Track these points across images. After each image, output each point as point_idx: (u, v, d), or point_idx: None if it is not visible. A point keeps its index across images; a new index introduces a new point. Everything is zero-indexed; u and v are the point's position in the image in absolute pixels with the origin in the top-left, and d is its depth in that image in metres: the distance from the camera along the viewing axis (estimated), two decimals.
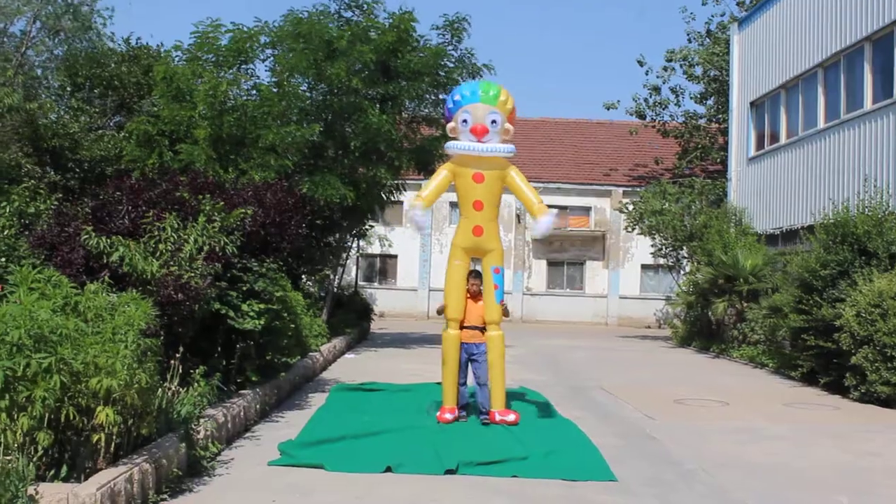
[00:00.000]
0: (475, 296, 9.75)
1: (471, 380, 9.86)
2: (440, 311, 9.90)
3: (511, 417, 9.52)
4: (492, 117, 9.51)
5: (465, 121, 9.55)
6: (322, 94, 19.21)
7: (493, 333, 9.67)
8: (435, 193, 9.78)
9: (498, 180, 9.70)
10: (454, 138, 9.76)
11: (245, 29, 18.41)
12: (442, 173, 9.90)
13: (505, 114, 9.64)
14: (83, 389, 5.59)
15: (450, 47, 19.99)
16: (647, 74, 33.14)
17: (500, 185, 9.78)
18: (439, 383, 11.85)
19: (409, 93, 19.16)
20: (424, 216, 10.02)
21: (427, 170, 20.13)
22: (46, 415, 5.39)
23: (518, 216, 35.97)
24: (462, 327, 9.69)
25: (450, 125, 9.84)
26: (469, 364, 9.75)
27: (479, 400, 9.77)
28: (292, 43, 18.22)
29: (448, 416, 9.54)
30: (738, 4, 31.74)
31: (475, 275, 9.81)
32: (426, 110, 20.60)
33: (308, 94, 19.19)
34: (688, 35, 32.42)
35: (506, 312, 9.81)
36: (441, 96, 20.08)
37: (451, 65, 19.89)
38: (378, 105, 18.94)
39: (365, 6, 19.86)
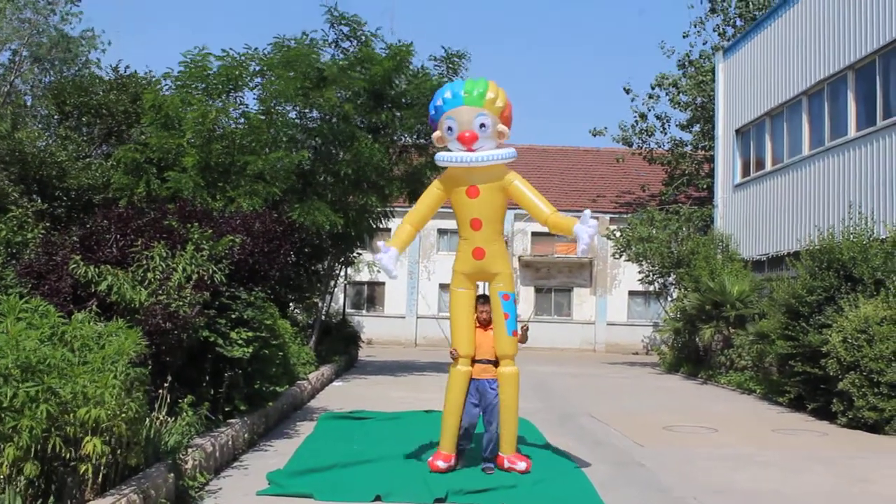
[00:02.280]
0: (484, 324, 8.43)
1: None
2: (454, 356, 8.39)
3: (522, 465, 8.31)
4: (480, 120, 8.14)
5: (450, 128, 8.26)
6: (311, 121, 19.26)
7: (507, 370, 8.30)
8: (418, 221, 8.72)
9: (497, 192, 8.34)
10: (444, 148, 8.54)
11: (235, 55, 18.48)
12: (431, 193, 8.71)
13: (495, 114, 8.24)
14: (71, 419, 5.55)
15: (444, 80, 20.06)
16: (632, 101, 33.48)
17: (500, 199, 8.42)
18: (428, 411, 11.86)
19: (402, 122, 19.22)
20: (393, 260, 8.28)
21: (418, 198, 20.14)
22: (33, 445, 5.33)
23: (506, 241, 35.97)
24: (472, 361, 8.39)
25: (435, 134, 8.50)
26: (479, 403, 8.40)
27: (483, 443, 8.48)
28: (279, 70, 18.28)
29: (441, 465, 8.17)
30: (719, 35, 32.07)
31: (483, 300, 8.48)
32: (419, 140, 20.62)
33: (297, 121, 19.24)
34: (678, 61, 32.74)
35: (523, 338, 8.47)
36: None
37: None
38: (370, 135, 18.98)
39: (363, 38, 19.99)
